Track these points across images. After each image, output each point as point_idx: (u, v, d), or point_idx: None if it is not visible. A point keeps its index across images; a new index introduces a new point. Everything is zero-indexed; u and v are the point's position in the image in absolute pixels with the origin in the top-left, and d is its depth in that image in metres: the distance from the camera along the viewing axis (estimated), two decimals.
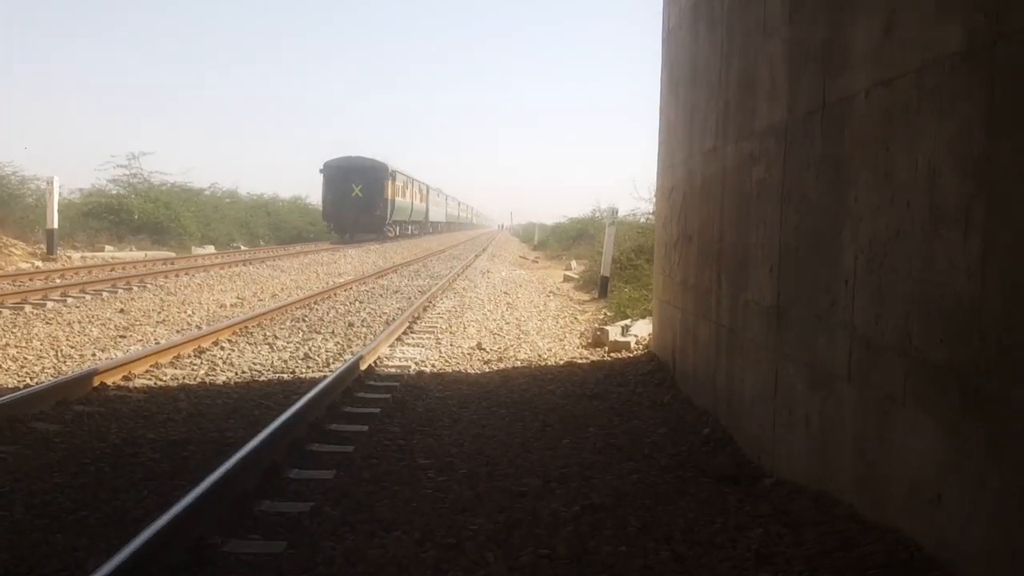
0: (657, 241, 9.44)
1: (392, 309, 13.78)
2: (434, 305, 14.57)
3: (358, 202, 40.71)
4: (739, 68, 5.73)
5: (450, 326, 11.95)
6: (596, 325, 11.76)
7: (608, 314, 13.03)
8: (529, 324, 12.39)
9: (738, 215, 5.65)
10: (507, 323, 12.44)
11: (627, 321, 11.40)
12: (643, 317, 11.45)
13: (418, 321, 12.38)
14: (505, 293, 17.18)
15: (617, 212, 17.36)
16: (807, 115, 4.52)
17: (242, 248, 33.03)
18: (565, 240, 38.44)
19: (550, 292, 17.80)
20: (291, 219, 45.75)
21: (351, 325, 11.78)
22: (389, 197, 42.87)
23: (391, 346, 10.04)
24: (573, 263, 25.26)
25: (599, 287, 16.27)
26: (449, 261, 28.49)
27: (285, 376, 8.12)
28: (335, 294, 15.96)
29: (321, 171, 41.85)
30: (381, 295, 16.17)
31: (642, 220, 21.26)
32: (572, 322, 12.78)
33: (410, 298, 15.63)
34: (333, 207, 40.88)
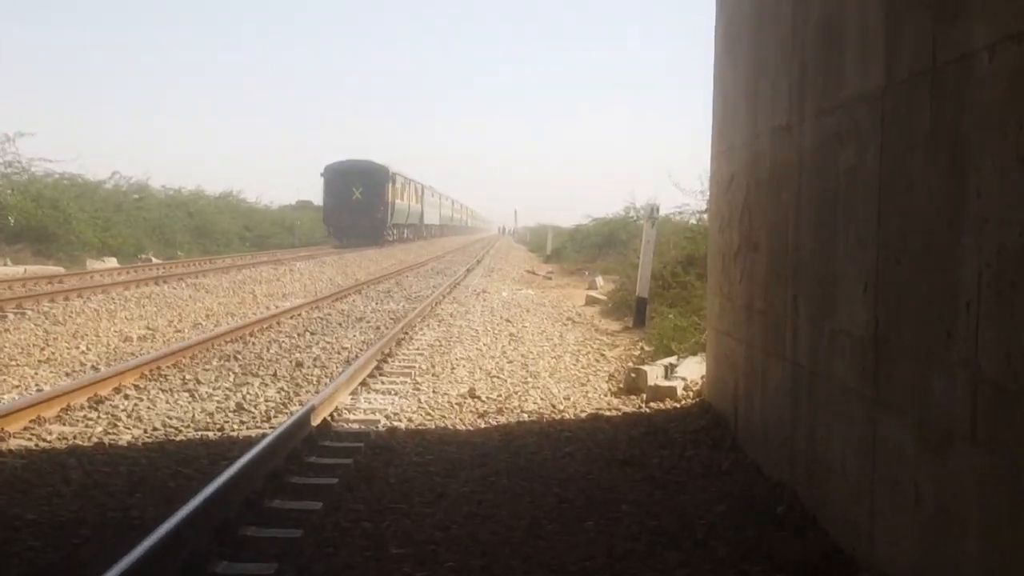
0: (712, 250, 9.44)
1: (355, 343, 13.84)
2: (411, 337, 14.63)
3: (358, 206, 50.22)
4: (820, 16, 5.74)
5: (433, 366, 12.00)
6: (630, 364, 11.77)
7: (646, 349, 13.04)
8: (540, 363, 12.42)
9: (820, 215, 5.67)
10: (510, 362, 12.48)
11: (672, 359, 11.37)
12: (693, 353, 11.43)
13: (390, 359, 12.44)
14: (507, 321, 17.19)
15: (658, 210, 17.32)
16: (912, 79, 4.47)
17: (154, 261, 33.08)
18: (588, 248, 38.67)
19: (568, 319, 17.81)
20: (220, 222, 46.23)
21: (299, 365, 11.85)
22: (389, 200, 52.17)
23: (354, 393, 10.07)
24: (599, 280, 25.33)
25: (634, 312, 16.30)
26: (431, 277, 28.54)
27: (211, 434, 8.16)
28: (279, 323, 16.02)
29: (322, 175, 51.28)
30: (340, 324, 16.21)
31: (692, 221, 21.22)
32: (598, 360, 12.80)
33: (379, 328, 15.67)
34: (333, 211, 50.34)
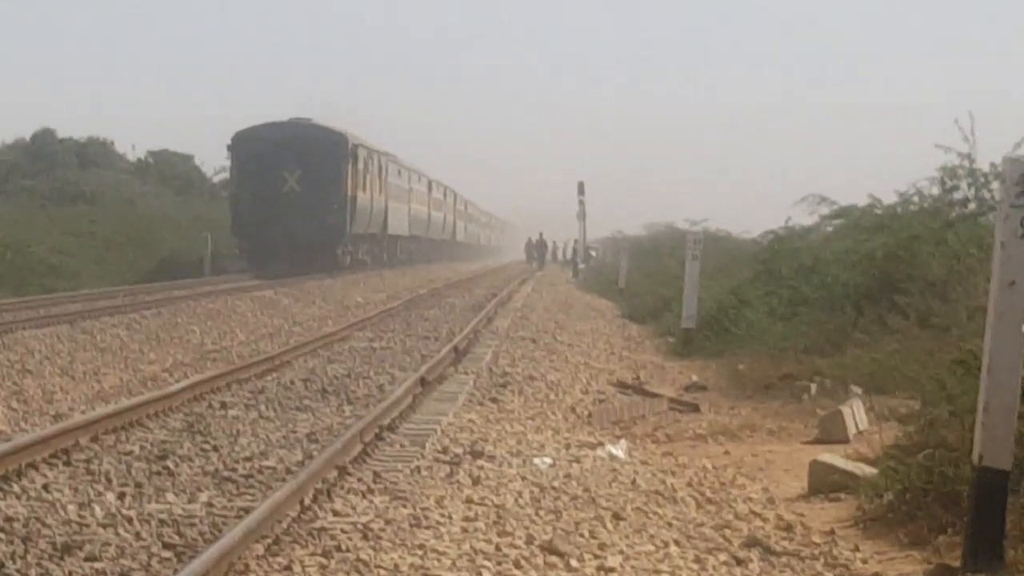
0: None
1: None
2: None
3: (294, 202, 31.41)
4: None
5: None
6: None
7: None
8: None
9: None
10: None
11: None
12: None
13: None
14: (549, 565, 6.32)
15: None
16: None
17: None
18: (817, 304, 16.49)
19: (756, 549, 7.00)
20: None
21: None
22: (348, 192, 32.93)
23: None
24: (854, 412, 10.48)
25: (965, 532, 6.97)
26: (307, 409, 13.44)
27: None
28: None
29: (230, 147, 32.86)
30: None
31: None
32: None
33: None
34: (251, 212, 31.12)
